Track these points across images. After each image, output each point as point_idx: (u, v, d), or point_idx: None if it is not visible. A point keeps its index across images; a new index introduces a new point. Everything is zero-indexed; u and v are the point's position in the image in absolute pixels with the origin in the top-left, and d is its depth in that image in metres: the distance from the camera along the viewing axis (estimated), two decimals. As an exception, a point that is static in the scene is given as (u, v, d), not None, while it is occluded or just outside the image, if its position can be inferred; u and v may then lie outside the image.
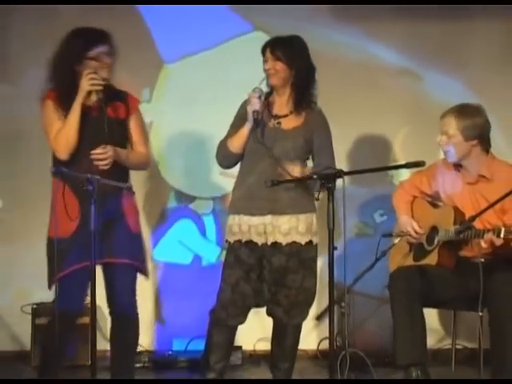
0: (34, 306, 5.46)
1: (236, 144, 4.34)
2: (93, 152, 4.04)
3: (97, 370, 3.85)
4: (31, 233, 5.54)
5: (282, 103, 4.40)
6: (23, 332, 5.58)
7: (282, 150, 4.32)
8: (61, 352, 4.22)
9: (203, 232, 5.89)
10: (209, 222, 5.89)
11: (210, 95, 5.70)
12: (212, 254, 5.87)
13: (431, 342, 5.05)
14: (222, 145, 4.41)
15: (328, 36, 5.75)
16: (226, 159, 4.43)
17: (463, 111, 4.40)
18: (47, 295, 4.87)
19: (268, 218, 4.32)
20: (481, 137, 4.39)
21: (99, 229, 3.95)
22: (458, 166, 4.47)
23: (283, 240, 4.33)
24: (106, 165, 4.05)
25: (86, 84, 4.08)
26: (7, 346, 5.72)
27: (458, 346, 5.05)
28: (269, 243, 4.32)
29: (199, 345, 5.07)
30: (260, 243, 4.32)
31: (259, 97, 4.27)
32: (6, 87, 5.79)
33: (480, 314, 4.23)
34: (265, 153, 4.30)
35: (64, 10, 5.73)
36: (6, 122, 5.75)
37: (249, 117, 4.28)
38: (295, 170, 4.25)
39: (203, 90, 5.76)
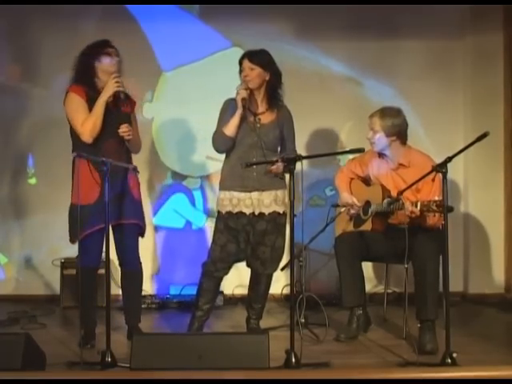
0: (62, 260, 5.46)
1: (231, 129, 4.22)
2: (123, 127, 4.13)
3: (110, 309, 3.83)
4: (60, 203, 5.46)
5: (258, 103, 4.34)
6: (54, 280, 5.57)
7: (267, 140, 4.29)
8: (93, 295, 4.25)
9: (193, 203, 5.85)
10: (197, 195, 5.85)
11: (198, 97, 5.66)
12: (200, 220, 5.85)
13: (368, 287, 5.06)
14: (218, 133, 4.28)
15: (291, 51, 5.71)
16: (223, 144, 4.28)
17: (385, 113, 4.36)
18: (73, 252, 4.87)
19: (254, 194, 4.29)
20: (399, 134, 4.35)
21: (112, 198, 4.00)
22: (382, 155, 4.44)
23: (266, 210, 4.31)
24: (129, 136, 4.14)
25: (112, 85, 4.10)
26: (42, 290, 5.71)
27: (388, 291, 5.06)
28: (256, 213, 4.30)
29: (190, 290, 5.11)
30: (248, 213, 4.30)
31: (246, 88, 4.23)
32: (40, 90, 5.74)
33: (405, 266, 4.22)
34: (253, 143, 4.26)
35: (82, 28, 5.67)
36: (41, 117, 5.70)
37: (238, 104, 4.20)
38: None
39: (193, 92, 5.72)
